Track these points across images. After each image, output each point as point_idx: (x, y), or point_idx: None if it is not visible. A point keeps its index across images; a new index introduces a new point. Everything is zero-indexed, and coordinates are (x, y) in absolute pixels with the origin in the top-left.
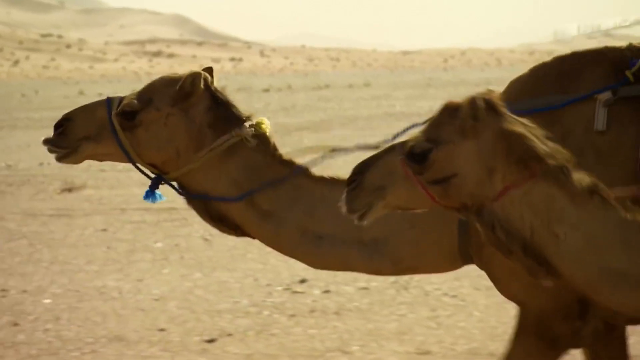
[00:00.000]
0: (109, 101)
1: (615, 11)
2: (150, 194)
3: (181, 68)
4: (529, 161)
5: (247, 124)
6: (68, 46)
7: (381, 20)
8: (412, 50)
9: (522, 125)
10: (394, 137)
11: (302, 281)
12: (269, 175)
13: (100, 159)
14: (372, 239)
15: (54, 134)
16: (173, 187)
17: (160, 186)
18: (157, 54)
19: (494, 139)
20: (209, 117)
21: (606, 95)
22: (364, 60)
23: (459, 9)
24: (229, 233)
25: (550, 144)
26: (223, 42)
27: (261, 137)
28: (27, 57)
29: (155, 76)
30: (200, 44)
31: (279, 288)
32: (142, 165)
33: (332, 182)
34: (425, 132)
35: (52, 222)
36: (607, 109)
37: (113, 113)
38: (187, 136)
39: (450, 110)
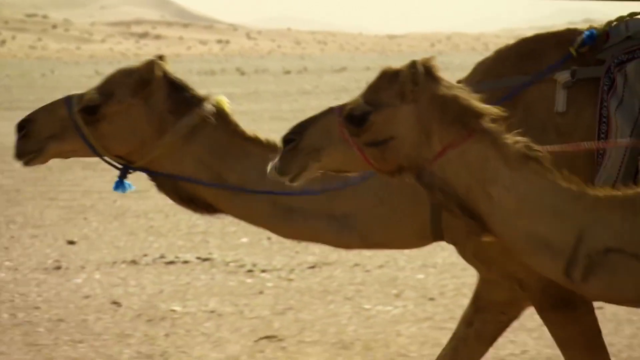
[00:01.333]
0: (68, 99)
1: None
2: (120, 184)
3: (168, 50)
4: (465, 118)
5: (206, 103)
6: (54, 26)
7: (362, 4)
8: (397, 34)
9: (457, 89)
10: None
11: None
12: (234, 152)
13: (66, 156)
14: (343, 213)
15: (18, 137)
16: (143, 171)
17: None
18: (144, 35)
19: (430, 102)
20: (169, 103)
21: (565, 77)
22: (350, 43)
23: None
24: (201, 212)
25: (484, 105)
26: (208, 24)
27: (222, 115)
28: (14, 37)
29: (144, 57)
30: (186, 25)
31: None
32: (109, 157)
33: None
34: (365, 96)
35: None
36: (566, 91)
37: (75, 110)
38: (149, 125)
39: (389, 76)
